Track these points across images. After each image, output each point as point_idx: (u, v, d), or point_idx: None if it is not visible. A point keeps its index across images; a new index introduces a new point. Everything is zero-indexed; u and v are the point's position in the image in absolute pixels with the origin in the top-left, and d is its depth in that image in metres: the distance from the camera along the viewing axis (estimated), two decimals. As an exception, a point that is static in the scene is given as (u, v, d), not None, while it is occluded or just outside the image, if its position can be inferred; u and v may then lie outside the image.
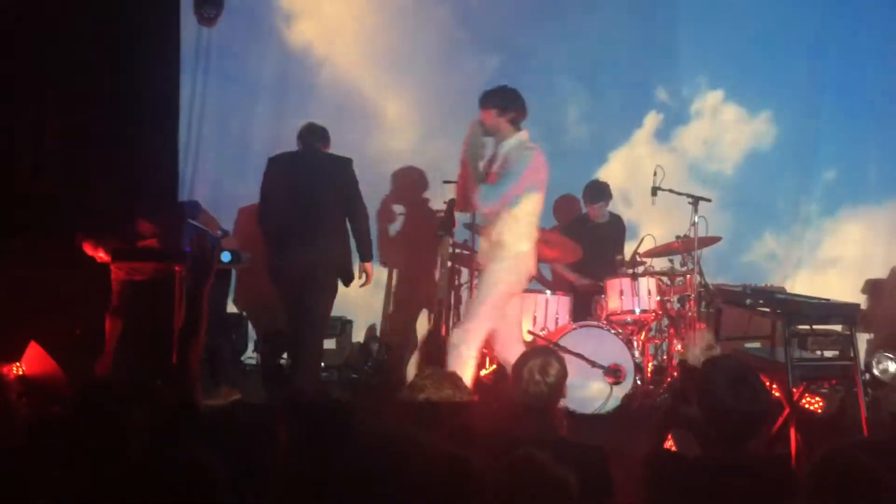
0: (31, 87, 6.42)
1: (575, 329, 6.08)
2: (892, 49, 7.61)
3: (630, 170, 7.70)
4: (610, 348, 5.99)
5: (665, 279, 6.52)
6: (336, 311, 7.20)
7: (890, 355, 6.93)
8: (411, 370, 5.52)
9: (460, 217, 6.11)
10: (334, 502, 2.44)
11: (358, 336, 7.47)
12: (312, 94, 7.46)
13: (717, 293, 5.83)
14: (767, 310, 4.95)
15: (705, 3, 7.73)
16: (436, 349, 5.64)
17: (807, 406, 5.79)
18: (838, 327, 6.23)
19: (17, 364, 5.56)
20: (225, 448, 2.77)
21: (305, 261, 5.66)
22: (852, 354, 4.99)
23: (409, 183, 7.47)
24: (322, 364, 6.50)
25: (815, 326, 5.78)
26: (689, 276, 6.34)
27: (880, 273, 7.73)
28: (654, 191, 6.50)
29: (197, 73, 7.25)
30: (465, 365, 4.97)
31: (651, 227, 7.09)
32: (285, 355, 6.89)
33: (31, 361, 5.53)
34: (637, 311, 6.26)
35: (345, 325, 7.35)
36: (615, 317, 6.29)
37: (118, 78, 6.61)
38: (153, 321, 5.70)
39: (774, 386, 4.69)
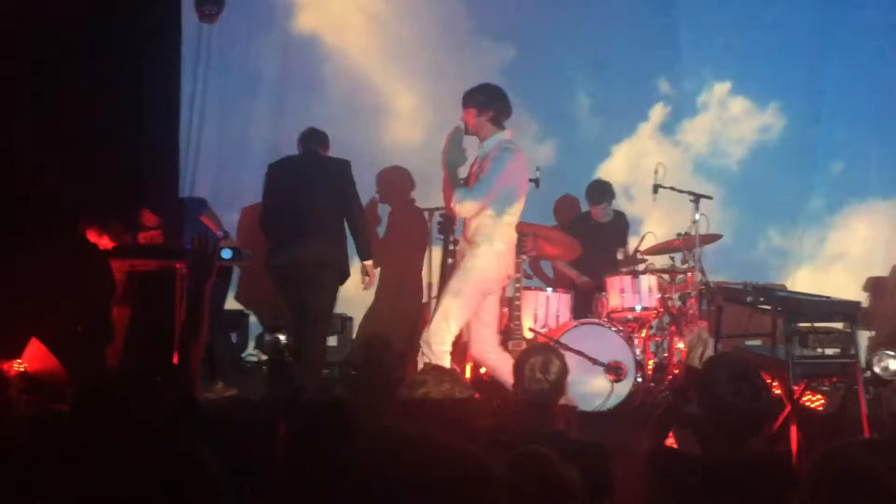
0: (31, 86, 6.42)
1: (576, 326, 6.08)
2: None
3: (634, 164, 7.70)
4: (611, 345, 5.99)
5: (666, 277, 6.51)
6: (337, 308, 7.26)
7: (891, 353, 6.92)
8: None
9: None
10: (339, 501, 2.44)
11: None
12: (320, 88, 7.45)
13: (717, 291, 5.83)
14: (768, 307, 4.95)
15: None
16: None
17: (808, 404, 5.79)
18: (839, 325, 6.24)
19: (18, 361, 5.57)
20: (224, 445, 2.78)
21: (304, 261, 5.79)
22: (853, 352, 4.98)
23: (395, 183, 7.45)
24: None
25: (816, 324, 5.79)
26: (690, 273, 6.34)
27: (886, 268, 7.72)
28: (656, 188, 6.50)
29: (198, 69, 7.25)
30: (439, 361, 5.00)
31: (653, 224, 7.10)
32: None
33: (33, 358, 5.53)
34: (638, 308, 6.26)
35: (345, 323, 7.36)
36: (616, 314, 6.29)
37: (118, 76, 6.60)
38: (156, 312, 5.87)
39: (775, 383, 4.69)
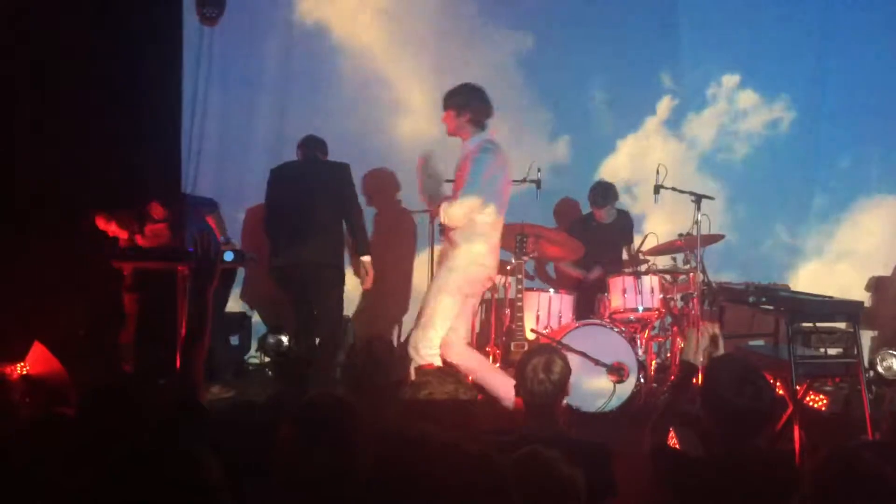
0: (32, 87, 6.43)
1: (578, 327, 6.07)
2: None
3: (639, 161, 7.67)
4: (613, 346, 5.98)
5: (668, 277, 6.51)
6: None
7: (894, 352, 6.93)
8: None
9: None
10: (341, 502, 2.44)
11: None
12: (326, 85, 7.45)
13: (720, 291, 5.81)
14: (770, 307, 4.94)
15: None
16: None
17: (811, 404, 5.78)
18: (842, 325, 6.23)
19: (22, 364, 5.58)
20: (228, 447, 2.78)
21: (306, 261, 5.91)
22: (856, 352, 4.97)
23: (380, 185, 7.42)
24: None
25: (818, 324, 5.78)
26: (692, 273, 6.33)
27: (889, 268, 7.71)
28: (657, 189, 6.49)
29: (199, 70, 7.25)
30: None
31: (657, 222, 7.09)
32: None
33: (36, 361, 5.54)
34: (640, 309, 6.26)
35: (347, 324, 7.36)
36: (618, 315, 6.28)
37: (119, 77, 6.61)
38: (158, 313, 5.99)
39: (778, 383, 4.68)
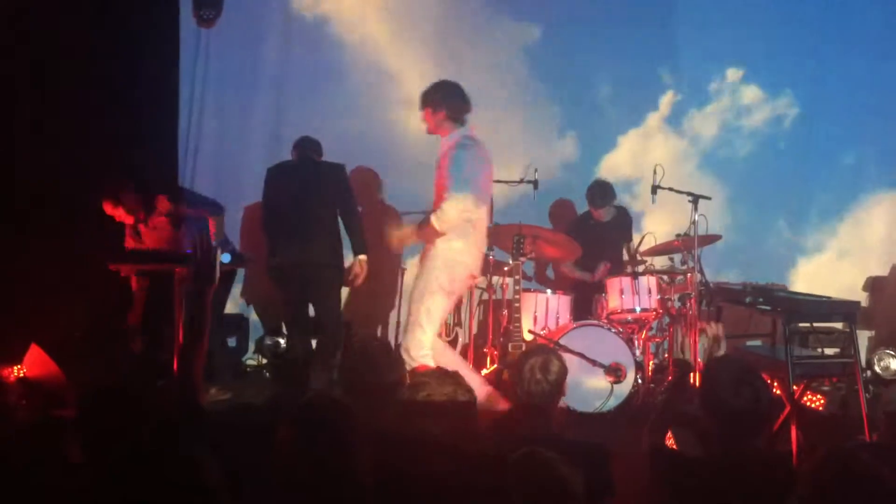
0: (32, 86, 6.44)
1: (575, 328, 6.07)
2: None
3: (640, 157, 7.66)
4: (611, 347, 5.98)
5: (665, 278, 6.51)
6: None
7: (891, 352, 6.94)
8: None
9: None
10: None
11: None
12: (335, 79, 7.43)
13: (717, 291, 5.82)
14: (767, 308, 4.94)
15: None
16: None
17: (808, 404, 5.79)
18: (839, 325, 6.23)
19: (19, 367, 5.57)
20: (227, 449, 2.78)
21: (305, 261, 5.94)
22: (853, 352, 4.97)
23: (363, 184, 7.35)
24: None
25: (816, 324, 5.79)
26: (689, 274, 6.33)
27: (885, 267, 7.72)
28: (654, 189, 6.49)
29: (197, 68, 7.27)
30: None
31: (658, 220, 7.08)
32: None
33: (32, 364, 5.54)
34: (638, 309, 6.25)
35: (346, 326, 7.36)
36: (616, 315, 6.28)
37: (118, 77, 6.63)
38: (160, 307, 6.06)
39: (775, 384, 4.69)
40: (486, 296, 6.81)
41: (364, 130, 7.29)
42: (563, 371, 3.46)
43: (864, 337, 7.38)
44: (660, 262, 6.76)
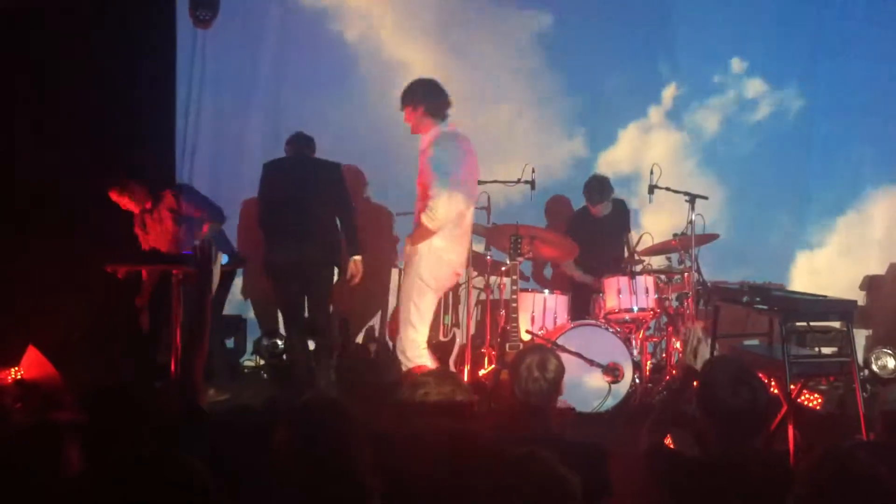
0: (27, 86, 6.45)
1: (573, 328, 6.07)
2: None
3: (641, 152, 7.64)
4: (608, 347, 5.98)
5: (663, 277, 6.52)
6: (334, 310, 7.27)
7: (888, 351, 6.95)
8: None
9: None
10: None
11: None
12: (340, 76, 7.42)
13: (714, 291, 5.83)
14: (764, 307, 4.95)
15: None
16: (431, 349, 5.76)
17: (806, 403, 5.79)
18: (837, 324, 6.23)
19: (16, 368, 5.57)
20: (223, 450, 2.78)
21: (305, 259, 5.95)
22: (850, 351, 4.98)
23: (349, 183, 7.38)
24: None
25: (813, 323, 5.78)
26: (686, 273, 6.34)
27: (882, 266, 7.72)
28: (651, 189, 6.49)
29: (194, 68, 7.27)
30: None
31: (657, 218, 7.06)
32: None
33: (30, 366, 5.53)
34: (635, 309, 6.26)
35: (343, 326, 7.38)
36: (613, 315, 6.29)
37: (117, 77, 6.64)
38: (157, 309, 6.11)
39: (772, 383, 4.69)
40: (483, 296, 6.81)
41: (370, 126, 7.24)
42: (561, 369, 3.45)
43: (861, 336, 7.40)
44: (657, 261, 6.76)
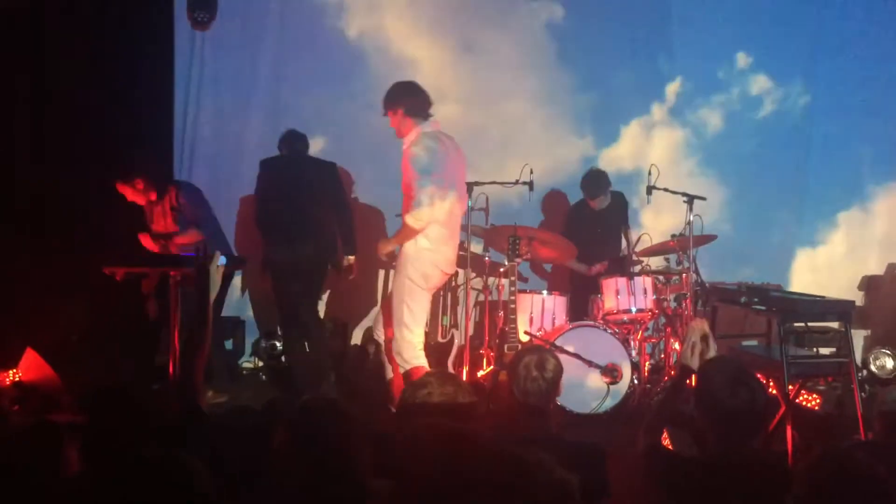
0: (27, 86, 6.46)
1: (571, 329, 6.07)
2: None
3: (644, 147, 7.65)
4: (607, 348, 5.98)
5: (661, 278, 6.52)
6: (333, 312, 7.27)
7: (887, 351, 6.96)
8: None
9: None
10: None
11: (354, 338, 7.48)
12: (352, 72, 7.41)
13: (712, 291, 5.84)
14: (762, 308, 4.96)
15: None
16: (430, 351, 5.78)
17: (804, 404, 5.80)
18: (835, 324, 6.24)
19: (14, 371, 5.57)
20: (222, 452, 2.78)
21: (305, 258, 5.99)
22: (848, 351, 4.99)
23: None
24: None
25: (811, 324, 5.79)
26: (684, 274, 6.34)
27: (881, 266, 7.72)
28: (649, 189, 6.49)
29: (193, 69, 7.27)
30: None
31: (658, 216, 7.06)
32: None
33: (28, 368, 5.54)
34: (633, 310, 6.26)
35: (343, 327, 7.38)
36: (612, 316, 6.29)
37: (115, 78, 6.64)
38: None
39: (771, 383, 4.70)
40: (482, 297, 6.81)
41: (373, 125, 7.21)
42: (559, 369, 3.45)
43: (860, 336, 7.40)
44: (655, 262, 6.76)
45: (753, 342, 6.15)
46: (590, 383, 5.92)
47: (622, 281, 6.29)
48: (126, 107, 6.68)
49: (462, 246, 6.52)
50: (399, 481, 2.46)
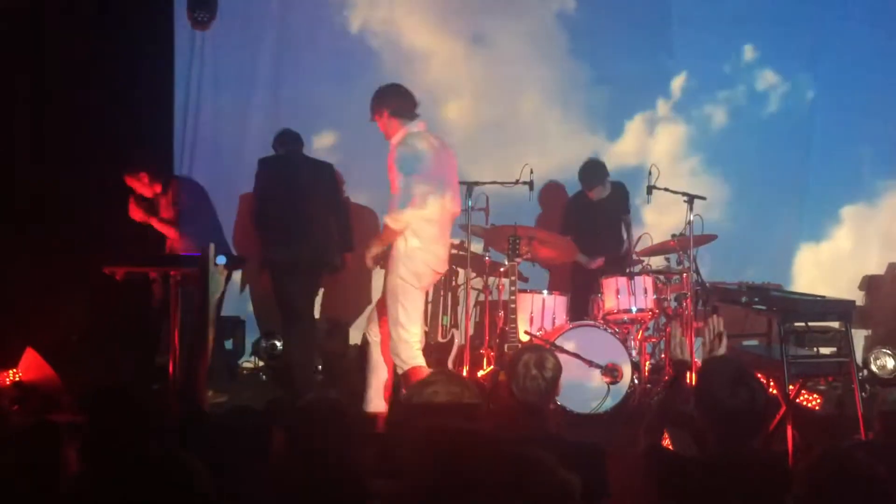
0: (27, 86, 6.46)
1: (571, 328, 6.07)
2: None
3: (648, 146, 7.63)
4: (607, 347, 5.98)
5: (661, 277, 6.51)
6: (332, 312, 7.26)
7: (888, 351, 6.95)
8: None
9: (456, 218, 6.15)
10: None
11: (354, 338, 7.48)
12: (360, 67, 7.37)
13: (713, 291, 5.83)
14: (763, 307, 4.95)
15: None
16: (430, 350, 5.79)
17: (805, 403, 5.79)
18: (836, 324, 6.24)
19: (14, 371, 5.57)
20: (222, 452, 2.78)
21: (305, 258, 6.04)
22: (848, 351, 4.98)
23: None
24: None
25: (812, 323, 5.78)
26: (685, 274, 6.33)
27: (882, 266, 7.71)
28: (649, 189, 6.48)
29: (192, 68, 7.27)
30: (416, 364, 5.18)
31: (661, 217, 7.06)
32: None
33: (28, 368, 5.53)
34: (634, 309, 6.25)
35: (342, 327, 7.38)
36: (612, 316, 6.28)
37: (114, 78, 6.65)
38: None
39: (771, 383, 4.70)
40: (482, 297, 6.81)
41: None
42: (559, 368, 3.45)
43: (860, 336, 7.39)
44: (656, 262, 6.76)
45: (754, 342, 6.15)
46: (590, 383, 5.92)
47: (622, 280, 6.29)
48: (126, 107, 6.68)
49: (462, 246, 6.54)
50: (403, 481, 2.46)
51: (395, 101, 5.28)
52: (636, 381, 6.05)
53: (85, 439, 2.73)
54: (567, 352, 5.74)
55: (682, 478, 2.92)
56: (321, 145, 7.17)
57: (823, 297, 5.15)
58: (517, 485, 2.31)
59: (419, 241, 5.20)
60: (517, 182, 6.54)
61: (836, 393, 5.98)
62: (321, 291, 6.72)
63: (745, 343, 6.04)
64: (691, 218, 6.23)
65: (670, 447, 3.44)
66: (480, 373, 6.28)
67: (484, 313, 6.66)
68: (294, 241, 6.02)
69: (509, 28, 7.49)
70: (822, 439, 4.76)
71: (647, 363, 6.42)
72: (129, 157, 6.36)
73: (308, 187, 6.13)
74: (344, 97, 7.16)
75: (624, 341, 6.07)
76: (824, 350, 6.31)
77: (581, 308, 6.61)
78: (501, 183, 6.61)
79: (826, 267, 7.74)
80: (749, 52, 7.70)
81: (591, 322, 6.23)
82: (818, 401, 5.93)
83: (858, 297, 7.51)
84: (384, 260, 5.42)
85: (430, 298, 6.44)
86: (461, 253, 6.57)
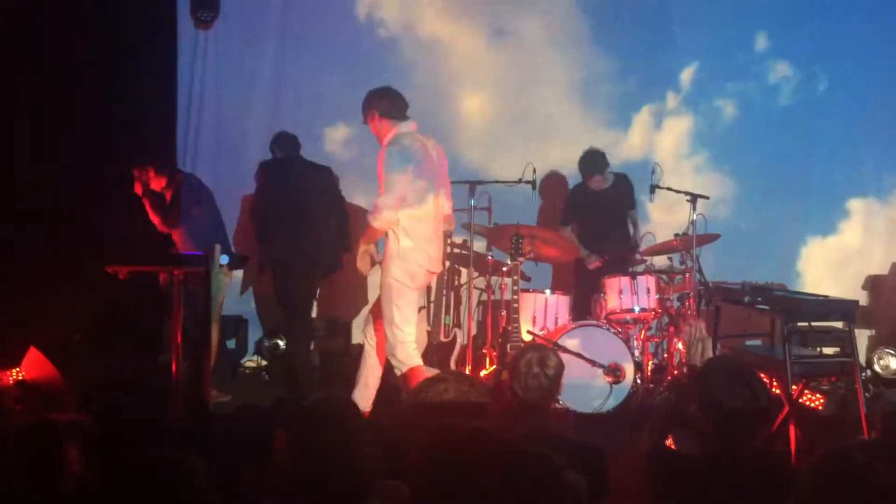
0: (28, 85, 6.45)
1: (574, 328, 6.07)
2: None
3: (654, 141, 7.62)
4: (609, 347, 5.97)
5: (664, 277, 6.50)
6: (334, 312, 7.27)
7: (891, 351, 6.94)
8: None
9: (458, 217, 6.16)
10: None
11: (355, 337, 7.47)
12: (378, 57, 7.43)
13: (715, 291, 5.81)
14: (766, 307, 4.94)
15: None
16: (432, 350, 5.77)
17: (808, 403, 5.78)
18: (839, 324, 6.22)
19: (17, 369, 5.57)
20: (225, 451, 2.77)
21: (304, 258, 6.11)
22: (851, 351, 4.97)
23: None
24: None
25: (814, 323, 5.77)
26: (688, 273, 6.32)
27: (885, 266, 7.69)
28: (653, 188, 6.47)
29: (195, 68, 7.28)
30: (414, 364, 5.17)
31: (665, 216, 7.05)
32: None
33: (31, 366, 5.53)
34: (636, 309, 6.25)
35: (344, 327, 7.37)
36: (615, 315, 6.28)
37: (116, 78, 6.65)
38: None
39: (774, 383, 4.68)
40: (484, 296, 6.80)
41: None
42: (561, 367, 3.44)
43: (864, 336, 7.38)
44: (659, 261, 6.74)
45: (757, 342, 6.13)
46: (593, 383, 5.91)
47: (625, 280, 6.29)
48: (128, 106, 6.68)
49: (465, 245, 6.53)
50: (411, 480, 2.45)
51: (386, 103, 5.29)
52: (639, 381, 6.04)
53: (86, 439, 2.72)
54: (569, 351, 5.73)
55: (683, 478, 2.91)
56: (335, 138, 7.17)
57: (826, 296, 5.14)
58: (522, 484, 2.30)
59: (411, 241, 5.19)
60: (520, 181, 6.53)
61: (840, 393, 5.97)
62: (318, 292, 6.74)
63: (748, 343, 6.02)
64: (694, 217, 6.22)
65: (674, 447, 3.42)
66: (483, 372, 6.27)
67: (486, 313, 6.65)
68: (294, 242, 6.08)
69: (527, 16, 7.50)
70: (825, 439, 4.75)
71: (650, 363, 6.41)
72: (130, 157, 6.36)
73: (307, 190, 6.22)
74: (358, 90, 7.17)
75: (626, 341, 6.07)
76: (827, 350, 6.31)
77: (584, 308, 6.61)
78: (504, 182, 6.60)
79: (832, 263, 7.72)
80: (761, 42, 7.67)
81: (594, 322, 6.23)
82: (821, 401, 5.92)
83: (862, 297, 7.50)
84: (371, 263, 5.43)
85: (432, 298, 6.43)
86: (464, 252, 6.57)
